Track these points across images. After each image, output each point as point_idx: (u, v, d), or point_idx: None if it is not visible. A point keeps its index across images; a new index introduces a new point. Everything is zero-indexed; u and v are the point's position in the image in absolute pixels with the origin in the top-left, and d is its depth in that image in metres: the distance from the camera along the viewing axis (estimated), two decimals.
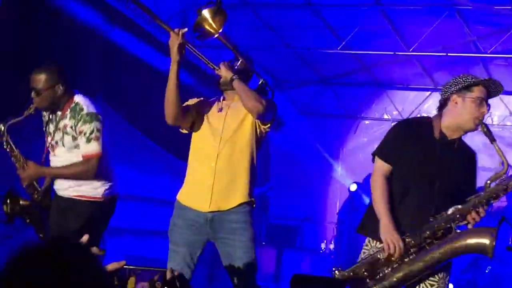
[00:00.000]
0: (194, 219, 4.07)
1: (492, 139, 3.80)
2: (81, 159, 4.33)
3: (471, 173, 3.88)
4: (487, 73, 9.55)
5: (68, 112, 4.36)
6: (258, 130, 4.18)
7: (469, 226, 3.68)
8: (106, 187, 4.40)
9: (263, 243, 9.27)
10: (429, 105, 10.45)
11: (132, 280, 1.71)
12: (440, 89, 10.54)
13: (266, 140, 4.56)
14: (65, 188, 4.41)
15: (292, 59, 9.82)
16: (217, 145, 4.15)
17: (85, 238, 1.83)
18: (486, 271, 8.13)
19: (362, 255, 3.85)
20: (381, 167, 3.91)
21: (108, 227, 4.51)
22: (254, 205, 4.22)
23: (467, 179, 3.83)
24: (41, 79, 4.31)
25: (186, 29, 4.02)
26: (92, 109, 4.36)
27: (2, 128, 4.42)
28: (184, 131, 4.28)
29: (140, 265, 2.13)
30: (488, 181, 3.73)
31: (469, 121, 3.85)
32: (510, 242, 3.84)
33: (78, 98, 4.39)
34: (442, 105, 3.97)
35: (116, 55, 7.30)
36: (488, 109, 3.92)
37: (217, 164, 4.12)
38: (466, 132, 3.93)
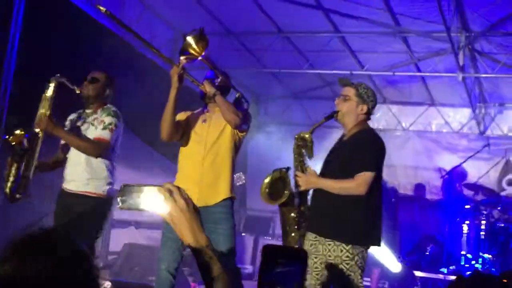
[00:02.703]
0: None
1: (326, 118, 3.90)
2: None
3: (352, 151, 3.75)
4: (426, 89, 9.63)
5: (99, 110, 4.37)
6: (236, 137, 4.20)
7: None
8: (109, 187, 4.33)
9: (242, 232, 9.24)
10: (379, 116, 10.48)
11: (136, 195, 1.56)
12: (387, 102, 10.57)
13: (245, 144, 4.56)
14: (74, 179, 4.28)
15: (267, 78, 9.83)
16: (202, 151, 4.15)
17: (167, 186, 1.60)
18: (427, 253, 8.18)
19: None
20: None
21: (114, 219, 4.32)
22: (234, 200, 4.23)
23: (346, 158, 3.76)
24: (101, 75, 4.39)
25: (185, 61, 4.03)
26: (118, 112, 4.38)
27: (53, 83, 4.24)
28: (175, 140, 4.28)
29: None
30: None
31: None
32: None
33: (109, 105, 4.43)
34: None
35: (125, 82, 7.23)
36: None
37: (203, 168, 4.12)
38: (349, 126, 3.87)
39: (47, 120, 4.17)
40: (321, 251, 3.58)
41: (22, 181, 4.15)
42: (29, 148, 4.14)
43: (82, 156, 4.29)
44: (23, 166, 4.15)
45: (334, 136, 4.10)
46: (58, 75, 4.27)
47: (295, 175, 3.67)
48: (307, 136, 3.73)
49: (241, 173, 8.17)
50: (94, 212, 4.25)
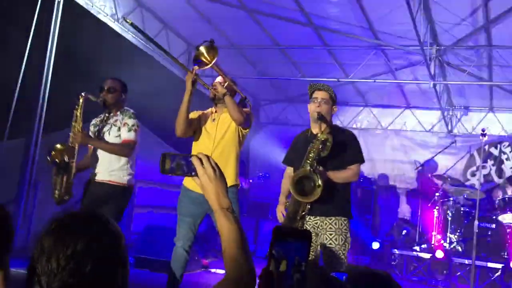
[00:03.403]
0: (195, 197, 4.05)
1: (319, 119, 3.72)
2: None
3: (342, 147, 3.72)
4: (403, 95, 9.64)
5: (119, 113, 4.37)
6: (240, 134, 4.20)
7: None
8: (129, 177, 4.35)
9: (245, 215, 9.24)
10: (361, 117, 10.49)
11: (173, 163, 1.57)
12: (369, 105, 10.58)
13: (248, 141, 4.56)
14: (100, 171, 4.30)
15: (265, 84, 9.83)
16: (211, 146, 4.14)
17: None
18: (403, 233, 8.19)
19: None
20: (286, 170, 4.11)
21: (136, 204, 4.33)
22: (239, 187, 4.22)
23: (339, 153, 3.69)
24: (117, 83, 4.38)
25: (197, 67, 4.03)
26: (135, 113, 4.40)
27: (81, 99, 4.26)
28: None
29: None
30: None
31: (312, 115, 3.87)
32: None
33: (127, 108, 4.43)
34: None
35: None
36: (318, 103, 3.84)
37: None
38: (319, 123, 3.77)
39: (81, 135, 4.22)
40: (324, 226, 3.71)
41: (67, 186, 4.24)
42: (69, 160, 4.22)
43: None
44: (66, 175, 4.23)
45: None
46: (83, 93, 4.27)
47: (320, 171, 3.61)
48: (328, 137, 3.56)
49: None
50: (115, 198, 4.26)
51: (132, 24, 3.96)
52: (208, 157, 1.58)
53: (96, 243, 1.25)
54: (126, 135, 4.28)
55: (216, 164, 1.58)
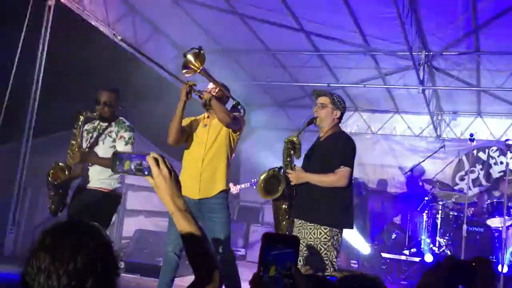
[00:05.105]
0: (187, 202, 4.05)
1: (307, 123, 3.89)
2: None
3: (332, 151, 3.76)
4: (392, 100, 9.70)
5: (113, 123, 4.37)
6: (231, 138, 4.22)
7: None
8: (119, 185, 4.37)
9: (236, 220, 9.25)
10: (351, 122, 10.53)
11: (128, 162, 1.55)
12: (359, 110, 10.61)
13: (238, 145, 4.58)
14: (90, 179, 4.32)
15: (256, 89, 9.85)
16: (202, 152, 4.16)
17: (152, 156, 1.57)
18: (392, 237, 8.24)
19: None
20: None
21: (126, 209, 4.33)
22: (229, 192, 4.24)
23: (328, 157, 3.74)
24: (113, 97, 4.34)
25: (195, 83, 4.06)
26: (132, 126, 4.40)
27: (82, 118, 4.25)
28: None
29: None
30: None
31: None
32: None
33: (122, 119, 4.43)
34: None
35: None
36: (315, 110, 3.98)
37: (202, 165, 4.13)
38: (325, 129, 3.91)
39: (79, 154, 4.21)
40: (304, 234, 3.63)
41: (62, 199, 4.31)
42: (67, 178, 4.26)
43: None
44: (63, 191, 4.29)
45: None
46: (83, 112, 4.26)
47: (287, 173, 3.69)
48: (295, 139, 3.74)
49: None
50: (105, 204, 4.28)
51: (122, 40, 4.00)
52: (163, 157, 1.56)
53: (94, 256, 1.26)
54: (123, 148, 4.30)
55: (172, 167, 1.57)
